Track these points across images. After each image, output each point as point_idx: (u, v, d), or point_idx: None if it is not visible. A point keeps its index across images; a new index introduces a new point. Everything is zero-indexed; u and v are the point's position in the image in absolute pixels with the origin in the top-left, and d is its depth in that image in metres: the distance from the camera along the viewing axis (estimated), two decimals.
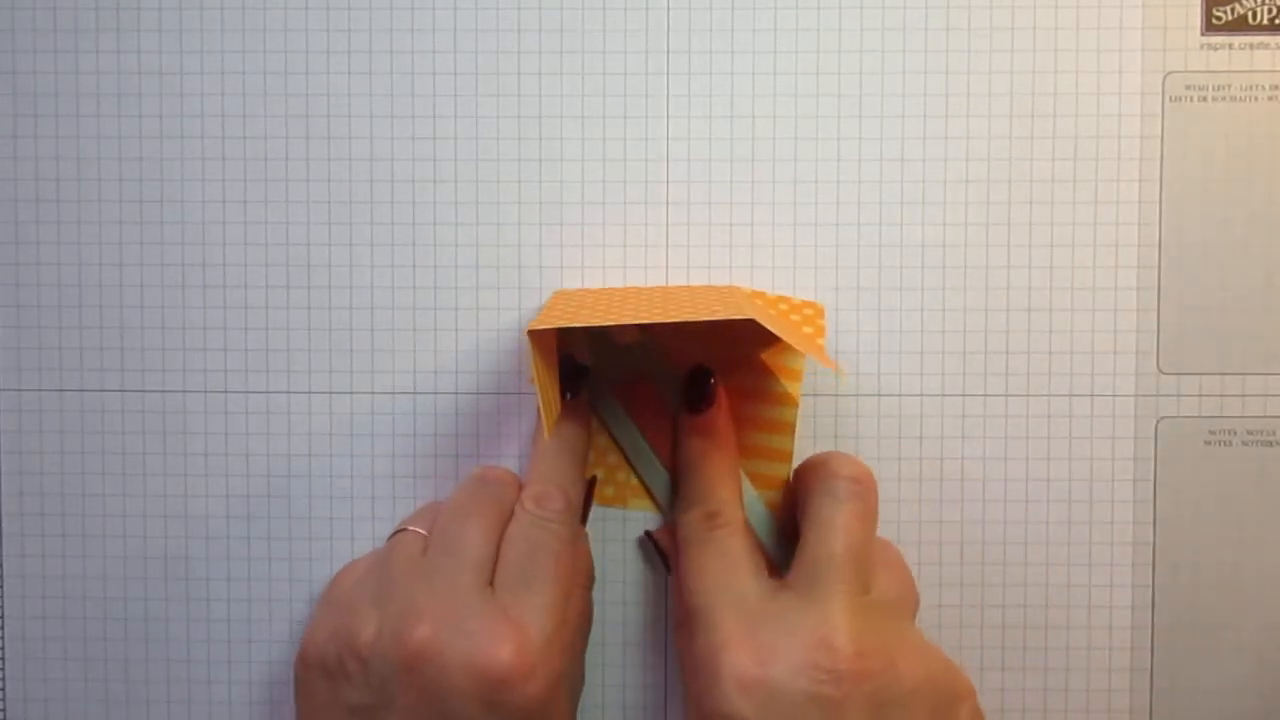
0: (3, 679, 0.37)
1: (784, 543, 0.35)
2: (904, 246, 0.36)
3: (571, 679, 0.33)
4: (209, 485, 0.37)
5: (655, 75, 0.36)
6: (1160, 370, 0.36)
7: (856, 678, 0.29)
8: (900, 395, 0.36)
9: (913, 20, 0.36)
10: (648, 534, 0.36)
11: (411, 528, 0.34)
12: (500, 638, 0.30)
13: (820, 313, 0.35)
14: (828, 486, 0.32)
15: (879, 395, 0.36)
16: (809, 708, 0.29)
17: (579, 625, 0.34)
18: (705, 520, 0.33)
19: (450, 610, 0.31)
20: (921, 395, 0.36)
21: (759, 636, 0.30)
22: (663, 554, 0.36)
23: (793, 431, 0.35)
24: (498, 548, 0.33)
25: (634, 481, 0.37)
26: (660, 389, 0.36)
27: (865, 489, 0.32)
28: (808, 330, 0.35)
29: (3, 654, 0.37)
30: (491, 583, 0.32)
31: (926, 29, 0.36)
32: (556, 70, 0.36)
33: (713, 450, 0.34)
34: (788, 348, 0.35)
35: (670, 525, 0.36)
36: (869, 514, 0.32)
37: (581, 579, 0.34)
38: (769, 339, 0.35)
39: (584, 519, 0.35)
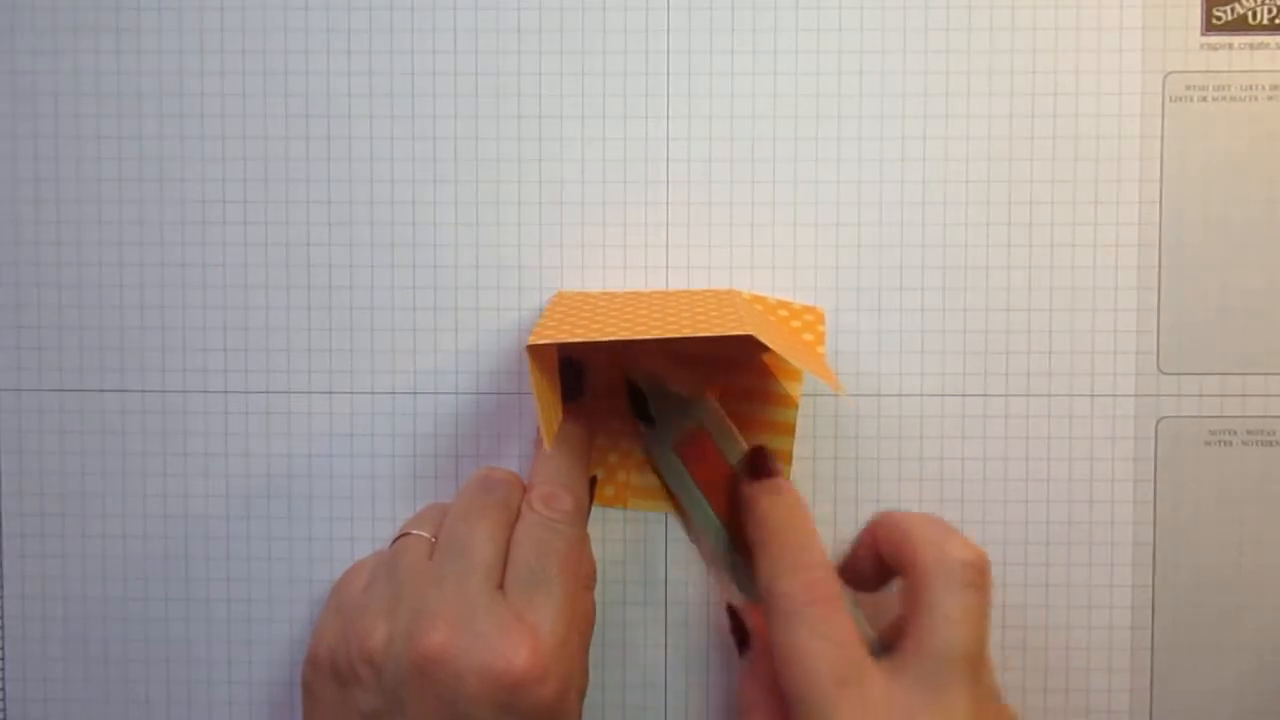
0: (3, 679, 0.37)
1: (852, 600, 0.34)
2: (904, 246, 0.36)
3: (580, 679, 0.33)
4: (209, 485, 0.37)
5: (655, 75, 0.36)
6: (1160, 370, 0.36)
7: None
8: (900, 395, 0.36)
9: (913, 20, 0.36)
10: (730, 607, 0.35)
11: (415, 531, 0.34)
12: (514, 641, 0.30)
13: (820, 318, 0.35)
14: (948, 574, 0.31)
15: (879, 395, 0.36)
16: None
17: (586, 626, 0.34)
18: (808, 590, 0.31)
19: (462, 614, 0.31)
20: (921, 395, 0.36)
21: None
22: (744, 632, 0.34)
23: (793, 432, 0.35)
24: (505, 550, 0.33)
25: (635, 482, 0.37)
26: (716, 440, 0.35)
27: (985, 578, 0.31)
28: (808, 337, 0.35)
29: (3, 654, 0.37)
30: (501, 585, 0.32)
31: (926, 29, 0.36)
32: (556, 70, 0.36)
33: (794, 510, 0.33)
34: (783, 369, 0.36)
35: (750, 603, 0.35)
36: (988, 604, 0.31)
37: (586, 580, 0.34)
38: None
39: (586, 519, 0.35)
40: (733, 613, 0.35)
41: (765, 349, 0.36)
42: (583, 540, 0.34)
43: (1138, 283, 0.36)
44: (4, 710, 0.37)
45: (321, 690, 0.32)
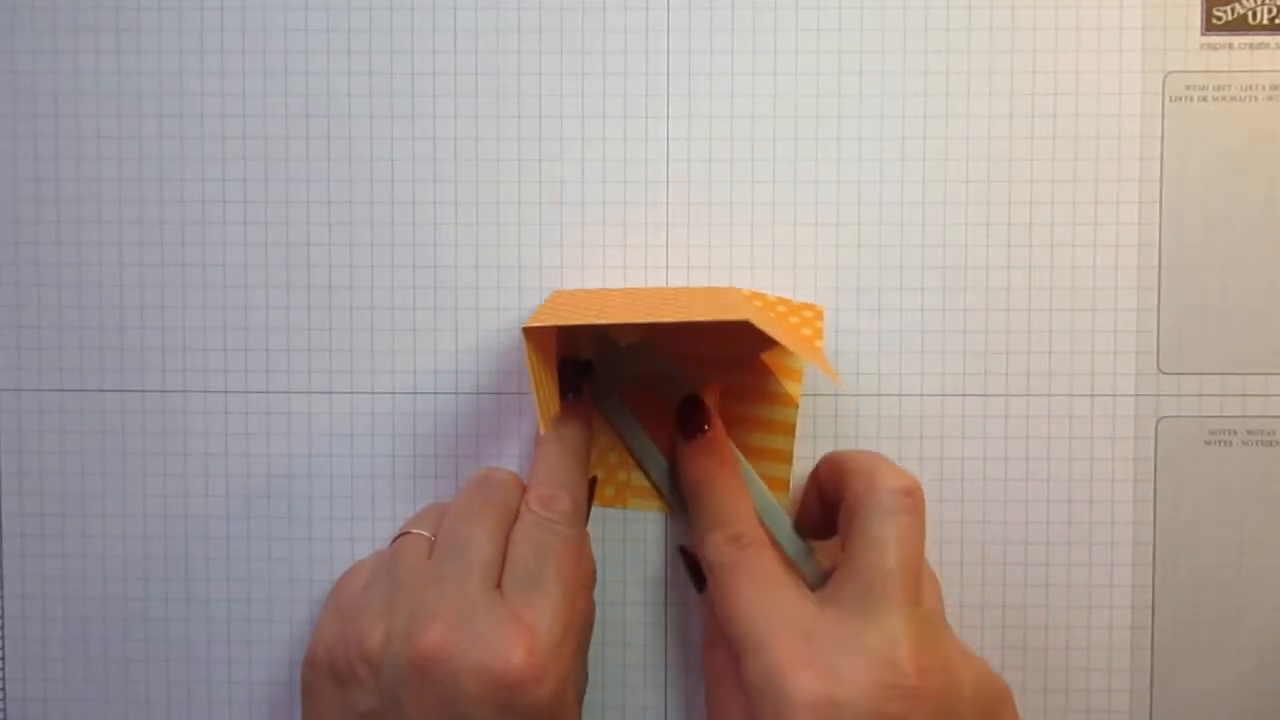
0: (3, 679, 0.37)
1: (805, 547, 0.35)
2: (904, 246, 0.36)
3: (579, 679, 0.33)
4: (209, 485, 0.37)
5: (655, 75, 0.36)
6: (1160, 370, 0.36)
7: (922, 693, 0.29)
8: (900, 395, 0.36)
9: (913, 20, 0.36)
10: (683, 549, 0.36)
11: (415, 531, 0.34)
12: (512, 641, 0.30)
13: (819, 314, 0.35)
14: (877, 499, 0.31)
15: (879, 395, 0.36)
16: None
17: (584, 626, 0.34)
18: (731, 543, 0.33)
19: (461, 613, 0.31)
20: (921, 395, 0.36)
21: (819, 657, 0.30)
22: (698, 571, 0.35)
23: (792, 432, 0.35)
24: (504, 550, 0.33)
25: (635, 482, 0.37)
26: (664, 390, 0.36)
27: (916, 502, 0.31)
28: (806, 332, 0.35)
29: (3, 654, 0.37)
30: (499, 585, 0.32)
31: (926, 29, 0.36)
32: (556, 70, 0.36)
33: (718, 470, 0.34)
34: (787, 348, 0.35)
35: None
36: (921, 527, 0.31)
37: (585, 580, 0.34)
38: (768, 340, 0.35)
39: (585, 519, 0.35)
40: (685, 553, 0.36)
41: (764, 348, 0.36)
42: (582, 541, 0.34)
43: (1138, 283, 0.36)
44: (4, 710, 0.37)
45: (320, 690, 0.32)
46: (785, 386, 0.36)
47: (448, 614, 0.31)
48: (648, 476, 0.36)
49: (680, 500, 0.36)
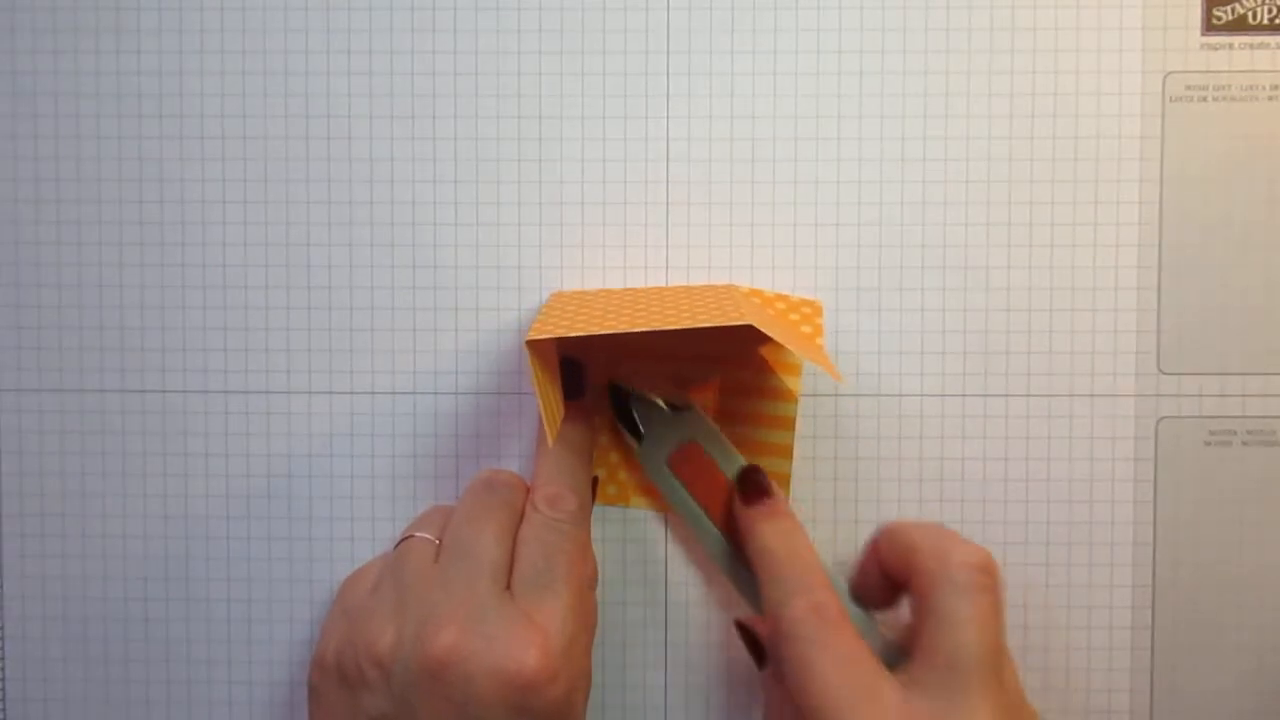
0: (3, 679, 0.37)
1: (866, 618, 0.34)
2: (904, 246, 0.36)
3: (585, 679, 0.33)
4: (209, 485, 0.37)
5: (655, 75, 0.36)
6: (1160, 370, 0.36)
7: None
8: (900, 395, 0.36)
9: (913, 20, 0.36)
10: (740, 624, 0.35)
11: (419, 534, 0.34)
12: (525, 642, 0.30)
13: (818, 311, 0.35)
14: (952, 577, 0.30)
15: (879, 395, 0.36)
16: None
17: (590, 626, 0.34)
18: (814, 613, 0.31)
19: (471, 616, 0.31)
20: (921, 395, 0.36)
21: None
22: (759, 646, 0.34)
23: (793, 426, 0.35)
24: (511, 551, 0.33)
25: (637, 480, 0.37)
26: (709, 451, 0.35)
27: (993, 579, 0.31)
28: (806, 330, 0.35)
29: (3, 654, 0.37)
30: (508, 587, 0.32)
31: (926, 29, 0.36)
32: (556, 70, 0.36)
33: (789, 535, 0.33)
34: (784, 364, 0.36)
35: (760, 617, 0.34)
36: (1000, 605, 0.31)
37: (589, 580, 0.34)
38: (768, 336, 0.35)
39: (589, 519, 0.35)
40: (743, 628, 0.35)
41: (763, 344, 0.36)
42: (586, 540, 0.34)
43: (1138, 283, 0.36)
44: (4, 710, 0.37)
45: (328, 693, 0.32)
46: (785, 381, 0.36)
47: (459, 616, 0.31)
48: (702, 545, 0.36)
49: (738, 574, 0.35)
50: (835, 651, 0.30)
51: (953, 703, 0.29)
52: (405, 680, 0.30)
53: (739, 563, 0.35)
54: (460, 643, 0.30)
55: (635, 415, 0.35)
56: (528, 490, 0.34)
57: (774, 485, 0.34)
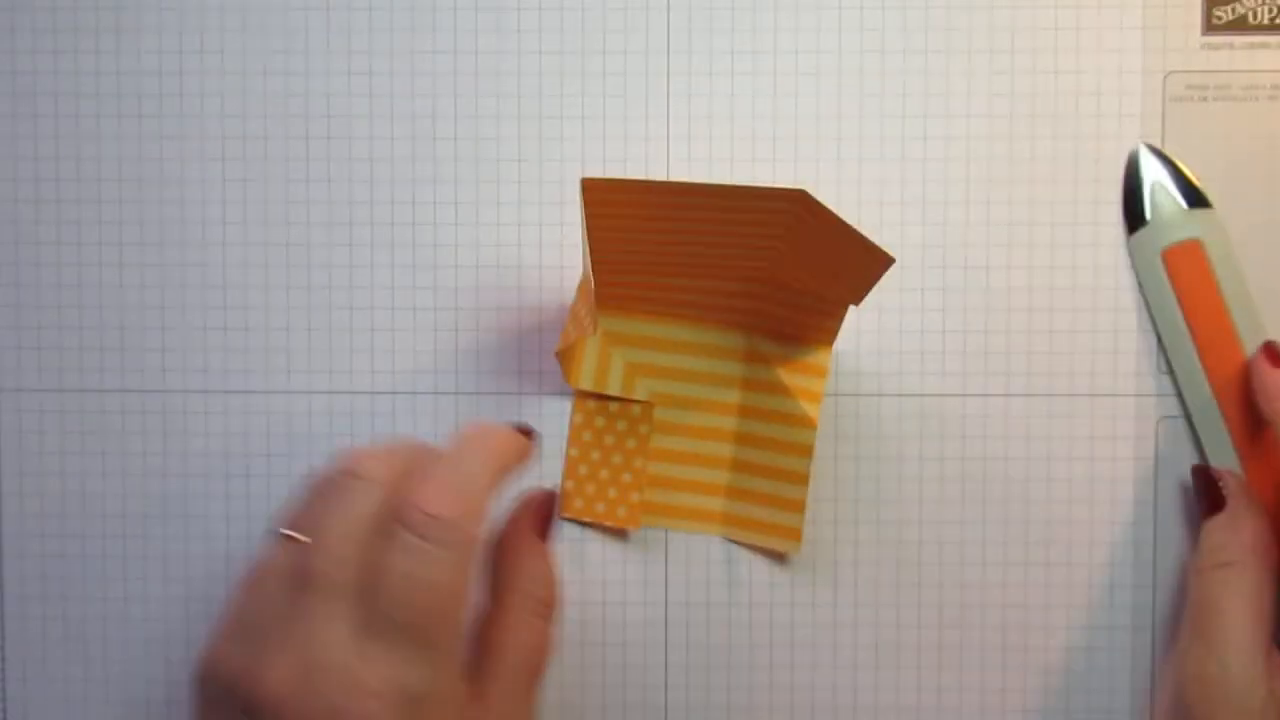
0: (3, 679, 0.37)
1: None
2: (904, 246, 0.36)
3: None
4: (209, 485, 0.37)
5: (655, 75, 0.36)
6: (1160, 370, 0.36)
7: None
8: (900, 395, 0.36)
9: (913, 20, 0.36)
10: (1202, 469, 0.33)
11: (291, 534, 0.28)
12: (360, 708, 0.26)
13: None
14: None
15: (879, 395, 0.36)
16: None
17: (532, 661, 0.31)
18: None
19: (307, 663, 0.26)
20: (922, 395, 0.36)
21: None
22: (1215, 488, 0.32)
23: (810, 454, 0.35)
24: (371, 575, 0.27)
25: (649, 499, 0.36)
26: (1214, 265, 0.31)
27: None
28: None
29: (3, 654, 0.37)
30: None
31: (927, 29, 0.36)
32: (557, 70, 0.36)
33: None
34: (806, 368, 0.35)
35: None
36: None
37: (539, 607, 0.31)
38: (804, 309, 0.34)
39: (546, 534, 0.34)
40: (1203, 473, 0.33)
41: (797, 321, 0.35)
42: (468, 571, 0.28)
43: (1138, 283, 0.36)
44: (4, 710, 0.37)
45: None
46: (805, 409, 0.35)
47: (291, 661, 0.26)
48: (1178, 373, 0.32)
49: (1205, 413, 0.33)
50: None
51: None
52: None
53: (1220, 411, 0.33)
54: (288, 691, 0.26)
55: (1147, 194, 0.32)
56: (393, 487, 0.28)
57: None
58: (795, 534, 0.35)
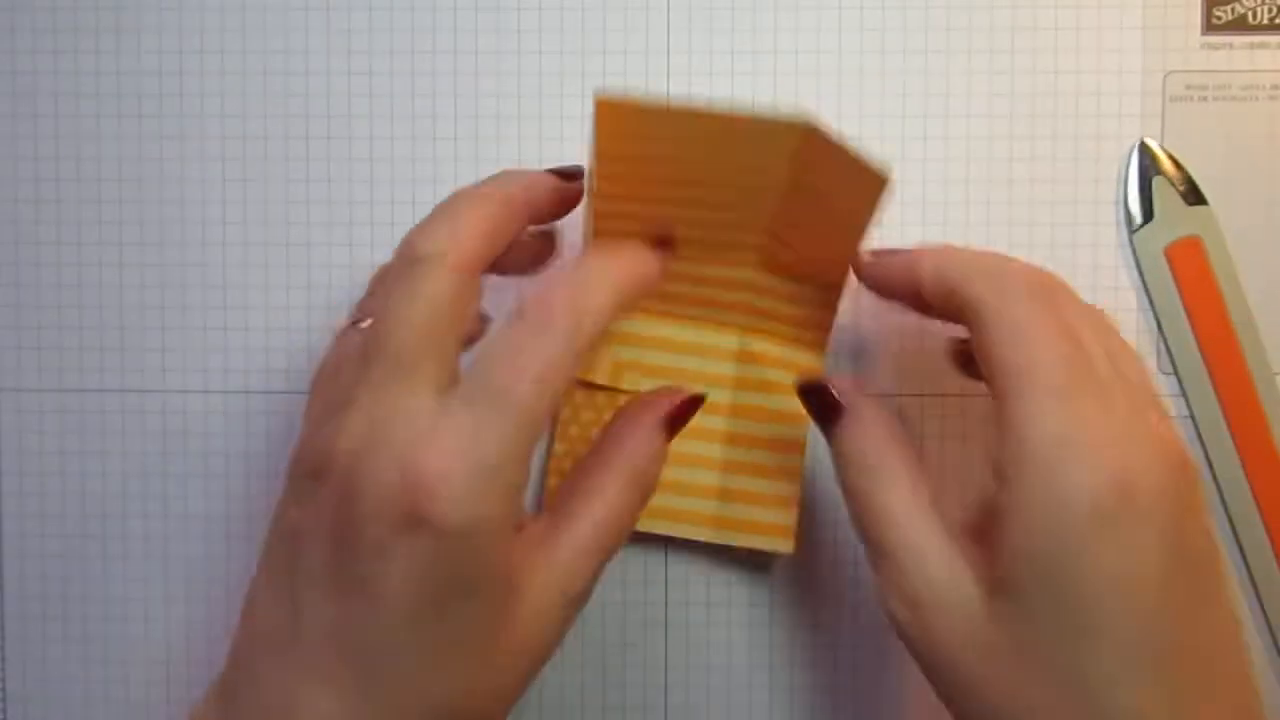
0: (3, 679, 0.37)
1: None
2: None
3: (565, 570, 0.29)
4: (209, 485, 0.37)
5: (655, 75, 0.36)
6: (1160, 370, 0.36)
7: None
8: (900, 395, 0.36)
9: (913, 20, 0.36)
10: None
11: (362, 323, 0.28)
12: (425, 441, 0.25)
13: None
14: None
15: (878, 395, 0.36)
16: None
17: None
18: None
19: (376, 419, 0.26)
20: (922, 395, 0.36)
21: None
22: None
23: (803, 450, 0.35)
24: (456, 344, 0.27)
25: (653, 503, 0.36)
26: (1213, 262, 0.32)
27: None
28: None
29: (3, 654, 0.37)
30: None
31: (927, 29, 0.36)
32: (557, 70, 0.36)
33: None
34: (800, 368, 0.35)
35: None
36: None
37: (643, 487, 0.30)
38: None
39: (670, 431, 0.31)
40: (810, 388, 0.31)
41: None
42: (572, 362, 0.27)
43: (1138, 282, 0.36)
44: (4, 710, 0.37)
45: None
46: (796, 405, 0.35)
47: (361, 422, 0.26)
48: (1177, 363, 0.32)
49: None
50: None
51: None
52: (301, 495, 0.27)
53: (1213, 420, 0.32)
54: (351, 448, 0.25)
55: (1152, 189, 0.32)
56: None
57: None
58: (788, 532, 0.35)
